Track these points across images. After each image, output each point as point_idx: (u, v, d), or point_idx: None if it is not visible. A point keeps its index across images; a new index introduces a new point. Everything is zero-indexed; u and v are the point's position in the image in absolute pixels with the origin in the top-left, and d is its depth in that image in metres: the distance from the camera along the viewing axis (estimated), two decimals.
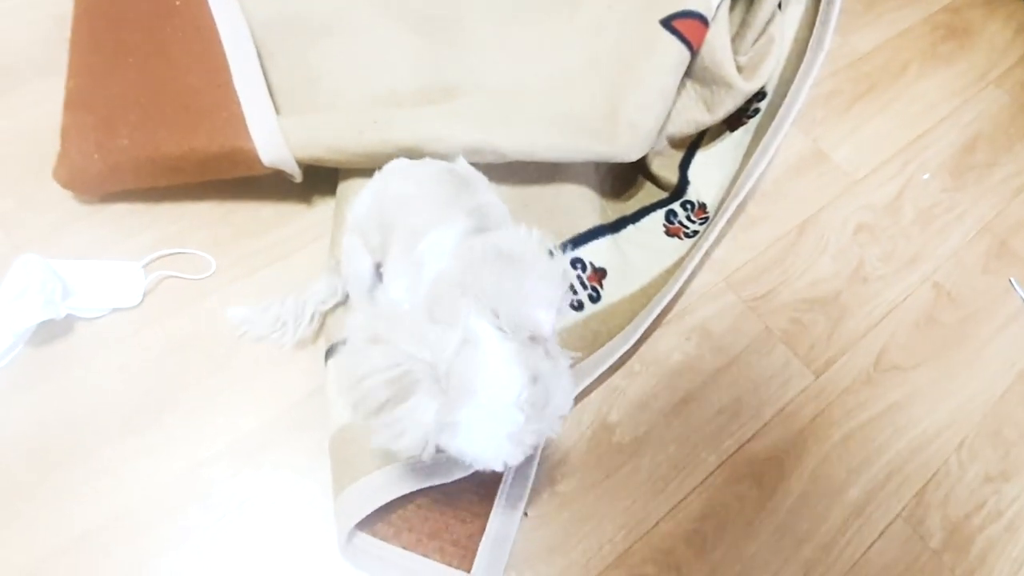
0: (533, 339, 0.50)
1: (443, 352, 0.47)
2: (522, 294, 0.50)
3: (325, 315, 0.83)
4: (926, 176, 1.11)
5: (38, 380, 0.77)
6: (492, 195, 0.68)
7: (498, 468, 0.50)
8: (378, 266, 0.73)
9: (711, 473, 0.82)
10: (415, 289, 0.58)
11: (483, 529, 0.74)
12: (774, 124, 0.93)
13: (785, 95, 0.96)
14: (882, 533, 0.81)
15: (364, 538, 0.71)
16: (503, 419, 0.48)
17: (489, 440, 0.49)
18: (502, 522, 0.75)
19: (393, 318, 0.51)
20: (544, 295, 0.51)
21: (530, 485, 0.77)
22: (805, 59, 0.95)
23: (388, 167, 0.73)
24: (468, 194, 0.65)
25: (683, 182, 0.98)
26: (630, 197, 1.00)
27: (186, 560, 0.70)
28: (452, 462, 0.74)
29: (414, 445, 0.49)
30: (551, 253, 0.54)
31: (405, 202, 0.66)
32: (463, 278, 0.52)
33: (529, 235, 0.54)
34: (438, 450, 0.50)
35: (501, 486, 0.76)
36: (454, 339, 0.48)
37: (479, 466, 0.51)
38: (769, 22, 0.94)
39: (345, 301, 0.82)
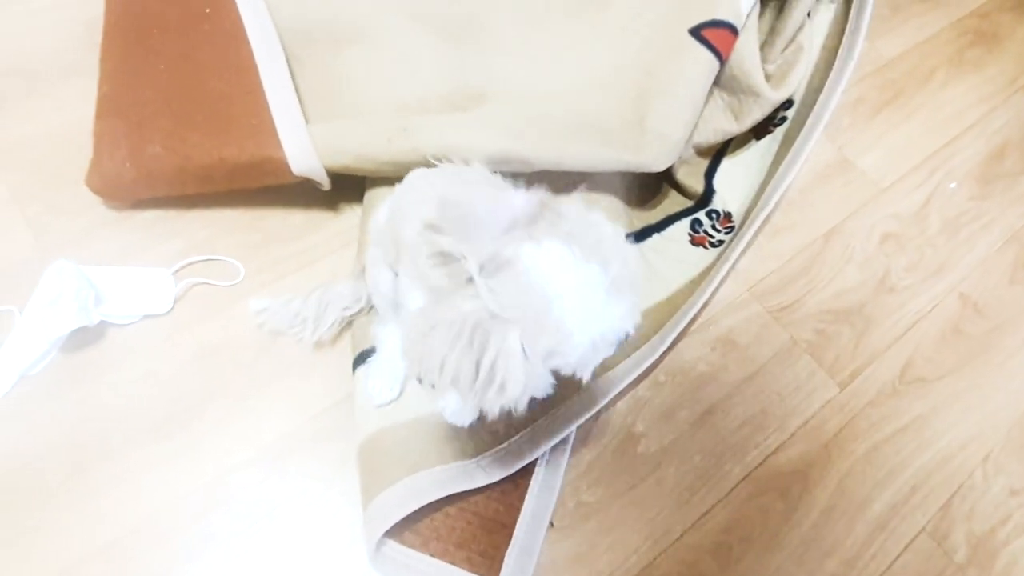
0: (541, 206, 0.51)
1: (496, 286, 0.47)
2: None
3: (348, 320, 0.83)
4: (953, 185, 1.10)
5: (70, 386, 0.78)
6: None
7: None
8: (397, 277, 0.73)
9: (736, 485, 0.82)
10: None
11: (510, 539, 0.75)
12: (803, 133, 0.92)
13: (813, 104, 0.95)
14: (906, 547, 0.81)
15: (392, 546, 0.72)
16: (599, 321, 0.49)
17: (601, 321, 0.49)
18: (528, 532, 0.75)
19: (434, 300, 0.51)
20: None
21: (556, 495, 0.77)
22: (835, 67, 0.94)
23: (406, 179, 0.73)
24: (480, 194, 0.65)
25: (708, 191, 0.97)
26: (655, 206, 1.00)
27: (213, 568, 0.71)
28: (480, 469, 0.75)
29: (518, 388, 0.47)
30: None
31: (421, 205, 0.66)
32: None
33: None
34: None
35: (527, 496, 0.77)
36: (495, 262, 0.47)
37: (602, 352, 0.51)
38: (799, 30, 0.93)
39: (370, 309, 0.83)
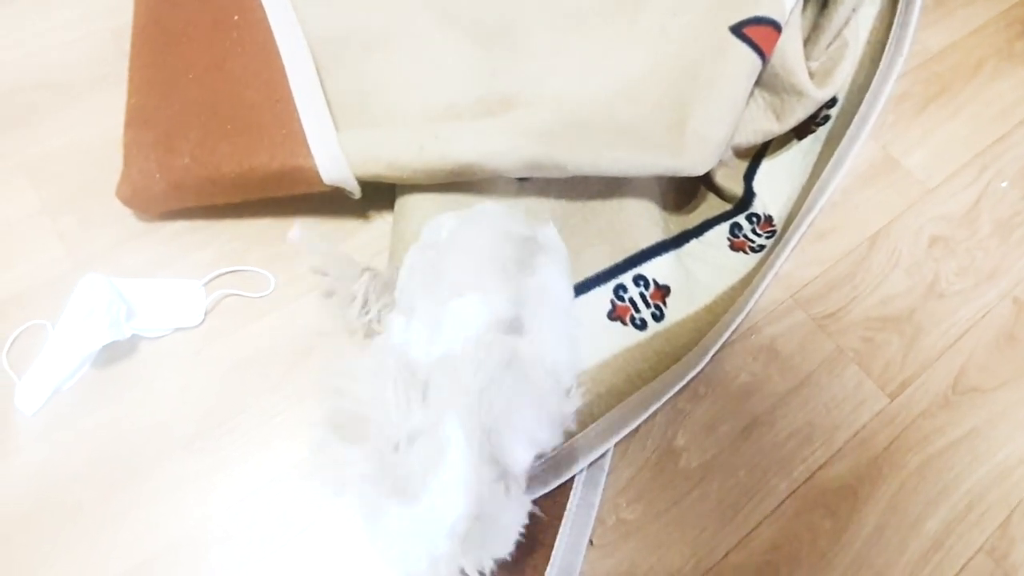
0: (502, 472, 0.47)
1: (407, 432, 0.45)
2: (514, 422, 0.47)
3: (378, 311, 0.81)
4: (1004, 184, 1.05)
5: (102, 402, 0.77)
6: (561, 280, 0.65)
7: None
8: None
9: (782, 502, 0.79)
10: (429, 347, 0.56)
11: (548, 558, 0.72)
12: (849, 133, 0.89)
13: (858, 102, 0.92)
14: (963, 567, 0.77)
15: None
16: (428, 539, 0.46)
17: (407, 552, 0.46)
18: (567, 551, 0.73)
19: (396, 364, 0.49)
20: (535, 433, 0.48)
21: (595, 512, 0.75)
22: (882, 63, 0.90)
23: (478, 207, 0.70)
24: (525, 274, 0.62)
25: (748, 194, 0.94)
26: (692, 210, 0.97)
27: None
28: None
29: (340, 490, 0.46)
30: (569, 391, 0.50)
31: (462, 256, 0.64)
32: (469, 377, 0.48)
33: (555, 366, 0.50)
34: None
35: (566, 513, 0.74)
36: (422, 454, 0.44)
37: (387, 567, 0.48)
38: (844, 25, 0.89)
39: None
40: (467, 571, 0.49)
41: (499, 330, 0.55)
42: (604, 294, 0.85)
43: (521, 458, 0.47)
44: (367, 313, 0.79)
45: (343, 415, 0.45)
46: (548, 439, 0.48)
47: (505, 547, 0.49)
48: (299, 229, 0.79)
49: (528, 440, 0.48)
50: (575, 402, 0.49)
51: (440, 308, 0.58)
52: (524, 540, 0.73)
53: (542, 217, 0.87)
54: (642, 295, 0.86)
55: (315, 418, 0.47)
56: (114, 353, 0.79)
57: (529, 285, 0.61)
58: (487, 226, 0.67)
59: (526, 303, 0.59)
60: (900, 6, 0.91)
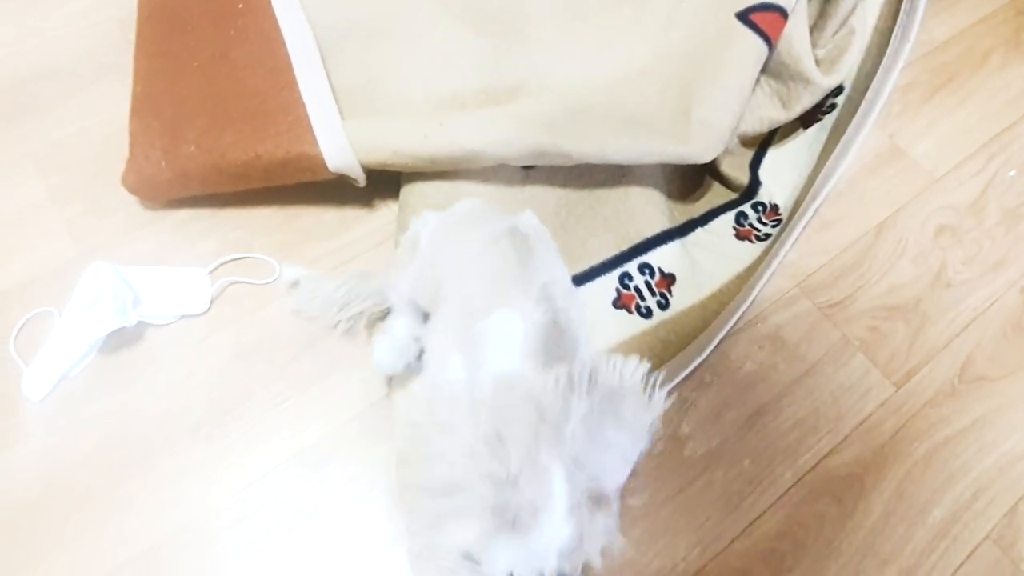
0: (596, 498, 0.48)
1: (518, 488, 0.45)
2: (605, 446, 0.47)
3: (376, 316, 0.81)
4: (1012, 173, 1.05)
5: (109, 389, 0.78)
6: (556, 262, 0.65)
7: None
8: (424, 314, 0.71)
9: (788, 490, 0.79)
10: (474, 374, 0.55)
11: None
12: (855, 121, 0.88)
13: (864, 90, 0.91)
14: (970, 555, 0.77)
15: None
16: (539, 559, 0.46)
17: (516, 569, 0.47)
18: None
19: (457, 415, 0.49)
20: (626, 452, 0.48)
21: None
22: (888, 51, 0.90)
23: (452, 210, 0.70)
24: (531, 269, 0.61)
25: (754, 182, 0.94)
26: (698, 198, 0.96)
27: (254, 572, 0.70)
28: None
29: (448, 550, 0.47)
30: (649, 390, 0.49)
31: (461, 270, 0.64)
32: (550, 406, 0.47)
33: (627, 368, 0.49)
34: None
35: None
36: (528, 491, 0.45)
37: None
38: (851, 12, 0.88)
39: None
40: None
41: (541, 339, 0.55)
42: (609, 282, 0.85)
43: (615, 479, 0.48)
44: (342, 311, 0.79)
45: (437, 481, 0.46)
46: (637, 450, 0.48)
47: (596, 559, 0.50)
48: (291, 270, 0.81)
49: (623, 460, 0.48)
50: (657, 408, 0.48)
51: (471, 332, 0.58)
52: None
53: (547, 207, 0.87)
54: (647, 283, 0.86)
55: (403, 486, 0.48)
56: (120, 340, 0.79)
57: (541, 280, 0.61)
58: (473, 231, 0.67)
59: (552, 298, 0.60)
60: None
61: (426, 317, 0.70)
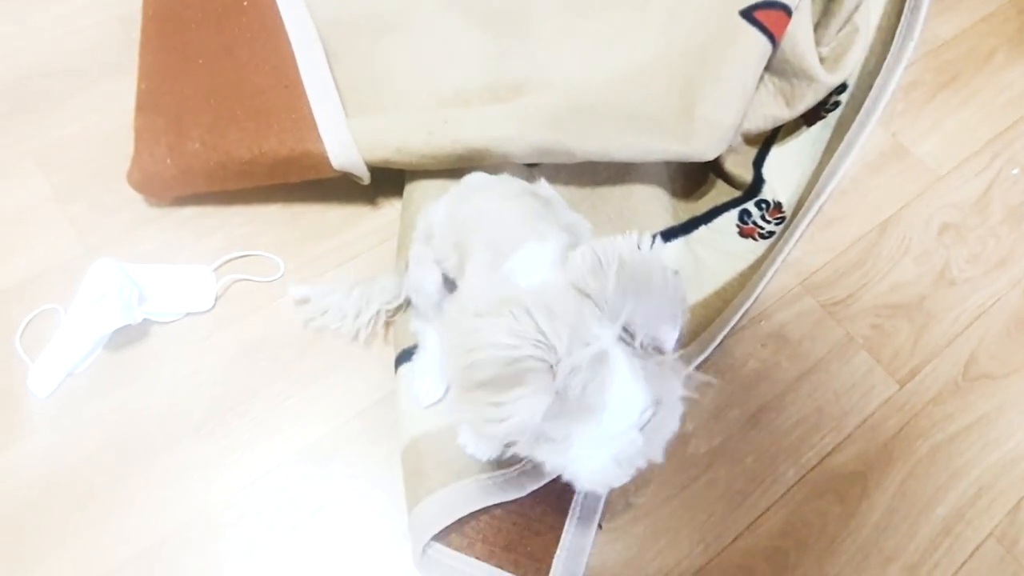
0: (658, 356, 0.47)
1: (573, 357, 0.44)
2: (651, 308, 0.47)
3: (388, 315, 0.82)
4: (1015, 171, 1.05)
5: (114, 385, 0.78)
6: (576, 215, 0.65)
7: (601, 491, 0.47)
8: (446, 279, 0.71)
9: (791, 487, 0.79)
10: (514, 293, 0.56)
11: (558, 541, 0.73)
12: (858, 119, 0.88)
13: (868, 88, 0.91)
14: (973, 553, 0.77)
15: (439, 549, 0.70)
16: (620, 442, 0.46)
17: (600, 462, 0.46)
18: (577, 534, 0.73)
19: (510, 298, 0.47)
20: (670, 311, 0.48)
21: (604, 497, 0.75)
22: (892, 48, 0.90)
23: (466, 181, 0.70)
24: (553, 213, 0.62)
25: (758, 180, 0.94)
26: (701, 196, 0.96)
27: (257, 569, 0.70)
28: (526, 476, 0.73)
29: (512, 434, 0.45)
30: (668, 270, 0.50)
31: (487, 217, 0.64)
32: (584, 283, 0.47)
33: (647, 244, 0.49)
34: (513, 456, 0.47)
35: (575, 497, 0.75)
36: (588, 351, 0.44)
37: (581, 486, 0.48)
38: (855, 10, 0.88)
39: (407, 306, 0.81)
40: (655, 458, 0.49)
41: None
42: None
43: (670, 336, 0.47)
44: (359, 318, 0.80)
45: (493, 374, 0.45)
46: (680, 313, 0.48)
47: (676, 422, 0.50)
48: (298, 289, 0.82)
49: (669, 318, 0.47)
50: (680, 279, 0.49)
51: (501, 271, 0.57)
52: (534, 524, 0.73)
53: None
54: None
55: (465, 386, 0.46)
56: (126, 337, 0.80)
57: (566, 220, 0.61)
58: (493, 190, 0.67)
59: (579, 235, 0.60)
60: None
61: (453, 286, 0.70)
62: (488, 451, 0.70)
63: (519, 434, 0.46)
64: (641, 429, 0.46)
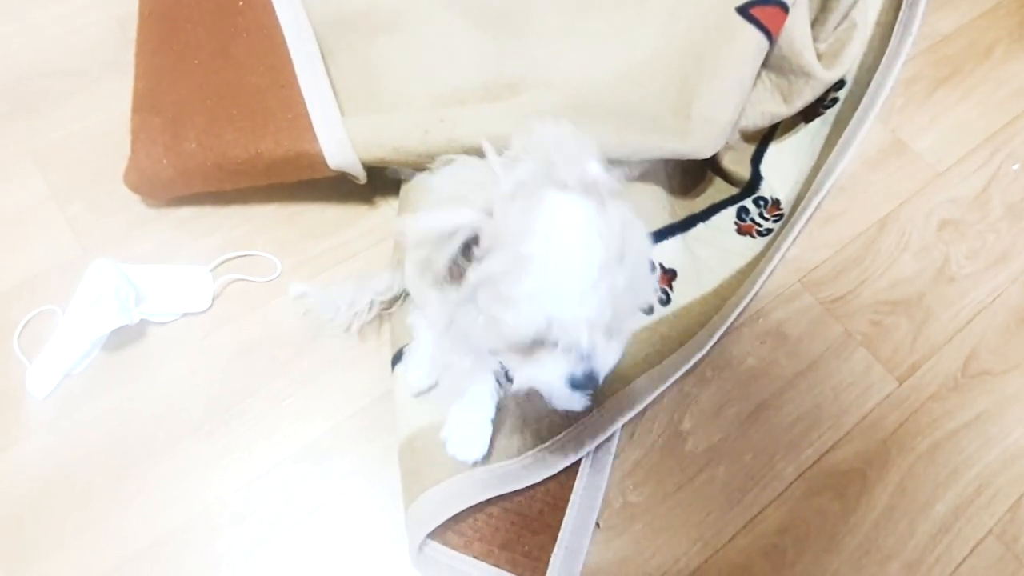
0: (588, 187, 0.47)
1: (510, 176, 0.45)
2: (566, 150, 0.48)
3: (384, 311, 0.82)
4: (1016, 166, 1.04)
5: (112, 386, 0.78)
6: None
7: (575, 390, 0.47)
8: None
9: (789, 485, 0.79)
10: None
11: (555, 540, 0.73)
12: (857, 115, 0.88)
13: (866, 83, 0.91)
14: (972, 550, 0.77)
15: (435, 547, 0.70)
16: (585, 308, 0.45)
17: (560, 303, 0.45)
18: (574, 533, 0.73)
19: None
20: (580, 150, 0.48)
21: (602, 495, 0.75)
22: (890, 44, 0.90)
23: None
24: None
25: (755, 177, 0.94)
26: (699, 194, 0.96)
27: (256, 568, 0.70)
28: (524, 469, 0.73)
29: (447, 251, 0.46)
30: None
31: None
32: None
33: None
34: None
35: (572, 496, 0.75)
36: (523, 168, 0.45)
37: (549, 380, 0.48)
38: (852, 6, 0.88)
39: (404, 299, 0.81)
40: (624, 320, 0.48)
41: None
42: None
43: (594, 166, 0.47)
44: (351, 307, 0.80)
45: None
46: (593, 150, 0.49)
47: (650, 291, 0.51)
48: (297, 286, 0.82)
49: (589, 156, 0.48)
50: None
51: None
52: (532, 523, 0.73)
53: None
54: None
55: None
56: (123, 338, 0.80)
57: None
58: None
59: None
60: None
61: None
62: (472, 452, 0.70)
63: (453, 247, 0.46)
64: (605, 289, 0.45)
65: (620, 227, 0.47)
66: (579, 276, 0.45)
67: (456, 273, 0.49)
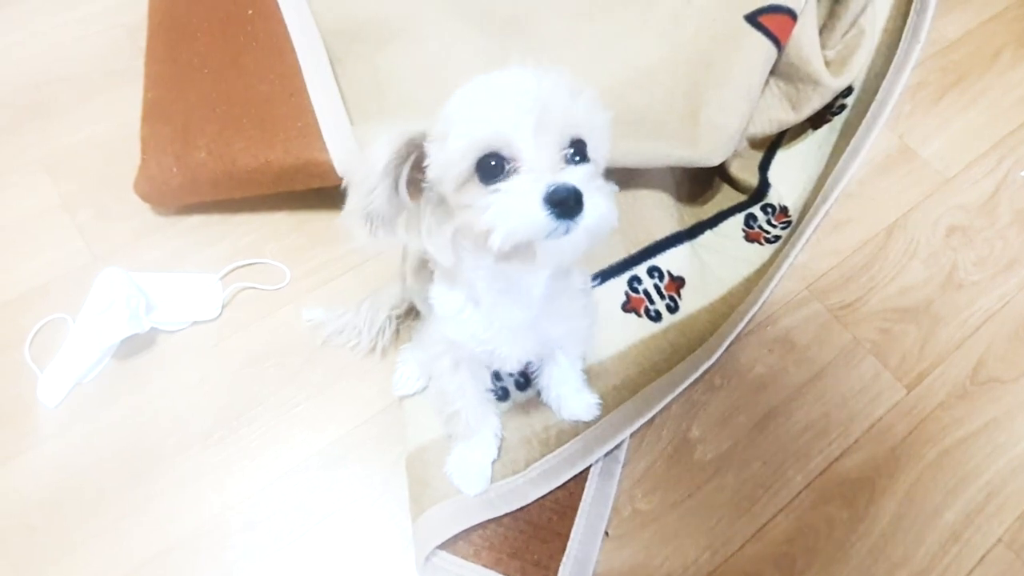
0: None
1: None
2: None
3: (399, 320, 0.82)
4: (1023, 173, 1.04)
5: (123, 394, 0.79)
6: None
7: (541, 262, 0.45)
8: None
9: (798, 493, 0.78)
10: None
11: (564, 548, 0.73)
12: (865, 122, 0.88)
13: (874, 90, 0.91)
14: (982, 559, 0.77)
15: (444, 556, 0.70)
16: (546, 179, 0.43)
17: (527, 204, 0.42)
18: (583, 541, 0.73)
19: None
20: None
21: (611, 503, 0.75)
22: (898, 51, 0.89)
23: None
24: None
25: (763, 184, 0.94)
26: (707, 201, 0.96)
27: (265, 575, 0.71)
28: (530, 484, 0.73)
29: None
30: None
31: None
32: None
33: None
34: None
35: (581, 504, 0.75)
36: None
37: (511, 239, 0.43)
38: (860, 13, 0.88)
39: (414, 313, 0.81)
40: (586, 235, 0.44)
41: None
42: (618, 286, 0.85)
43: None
44: (371, 328, 0.80)
45: None
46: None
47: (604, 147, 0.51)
48: (311, 312, 0.82)
49: None
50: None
51: None
52: (541, 531, 0.73)
53: None
54: (656, 287, 0.86)
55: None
56: (133, 346, 0.80)
57: None
58: None
59: None
60: None
61: None
62: (474, 488, 0.71)
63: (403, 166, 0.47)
64: (569, 162, 0.44)
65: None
66: (511, 97, 0.45)
67: (415, 193, 0.49)
